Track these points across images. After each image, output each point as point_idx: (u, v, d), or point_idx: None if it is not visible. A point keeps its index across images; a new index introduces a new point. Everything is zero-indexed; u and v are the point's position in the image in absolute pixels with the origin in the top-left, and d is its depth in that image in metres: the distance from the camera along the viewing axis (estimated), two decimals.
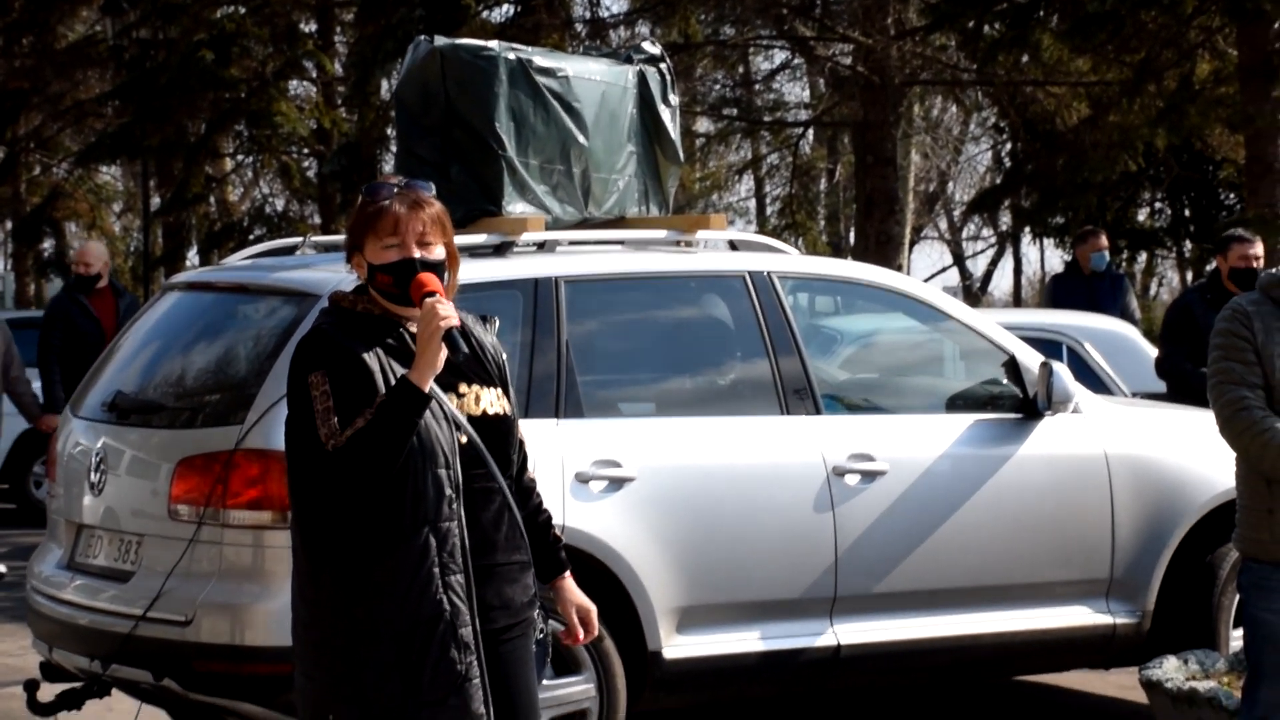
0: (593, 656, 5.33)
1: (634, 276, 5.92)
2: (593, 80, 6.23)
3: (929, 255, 65.65)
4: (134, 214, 30.13)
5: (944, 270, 38.77)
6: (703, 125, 24.93)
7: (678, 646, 5.52)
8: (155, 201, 22.84)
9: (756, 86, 24.18)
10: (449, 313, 3.41)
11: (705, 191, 30.79)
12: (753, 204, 32.98)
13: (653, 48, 6.63)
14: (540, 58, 6.18)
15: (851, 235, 27.32)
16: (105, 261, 10.34)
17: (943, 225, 38.12)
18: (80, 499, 5.69)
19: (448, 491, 3.44)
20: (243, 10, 20.73)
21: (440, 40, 6.14)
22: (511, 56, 6.04)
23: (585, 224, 6.18)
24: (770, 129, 24.62)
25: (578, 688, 5.33)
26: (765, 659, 5.68)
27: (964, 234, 37.45)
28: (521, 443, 3.70)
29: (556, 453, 5.38)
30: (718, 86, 23.18)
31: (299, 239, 6.32)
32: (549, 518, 3.74)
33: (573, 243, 5.95)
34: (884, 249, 15.90)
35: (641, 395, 5.96)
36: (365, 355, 3.43)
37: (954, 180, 33.62)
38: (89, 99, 23.39)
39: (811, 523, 5.72)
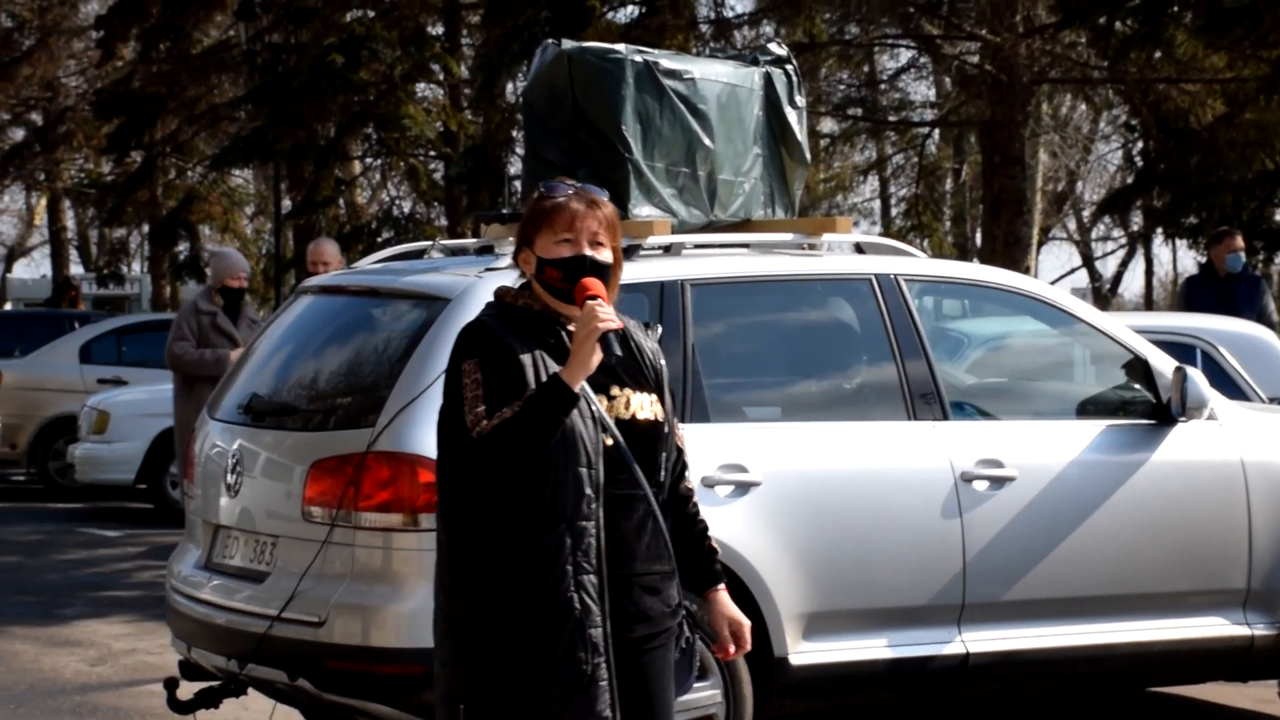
0: (719, 662, 5.33)
1: (759, 280, 5.91)
2: (719, 82, 6.22)
3: (1057, 256, 64.78)
4: (265, 217, 30.64)
5: (1072, 272, 38.31)
6: (827, 126, 24.79)
7: (804, 653, 5.50)
8: (286, 204, 23.18)
9: (882, 86, 24.00)
10: (608, 316, 3.45)
11: (829, 193, 30.62)
12: (877, 205, 32.79)
13: (779, 49, 6.61)
14: (667, 60, 6.19)
15: (978, 236, 27.04)
16: (340, 259, 10.13)
17: (1071, 226, 37.62)
18: (217, 500, 5.79)
19: (587, 491, 3.47)
20: (371, 14, 20.98)
21: (568, 43, 6.17)
22: (638, 59, 6.06)
23: (711, 227, 6.18)
24: (896, 129, 24.42)
25: (704, 694, 5.32)
26: (892, 666, 5.65)
27: (1093, 234, 36.94)
28: (681, 451, 3.71)
29: None
30: (842, 86, 23.04)
31: (429, 243, 6.39)
32: (705, 528, 3.73)
33: (698, 246, 5.95)
34: (1011, 250, 15.70)
35: (767, 399, 5.95)
36: (520, 349, 3.48)
37: (1083, 180, 33.14)
38: (222, 103, 23.81)
39: (939, 529, 5.67)
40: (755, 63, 6.48)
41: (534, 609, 3.43)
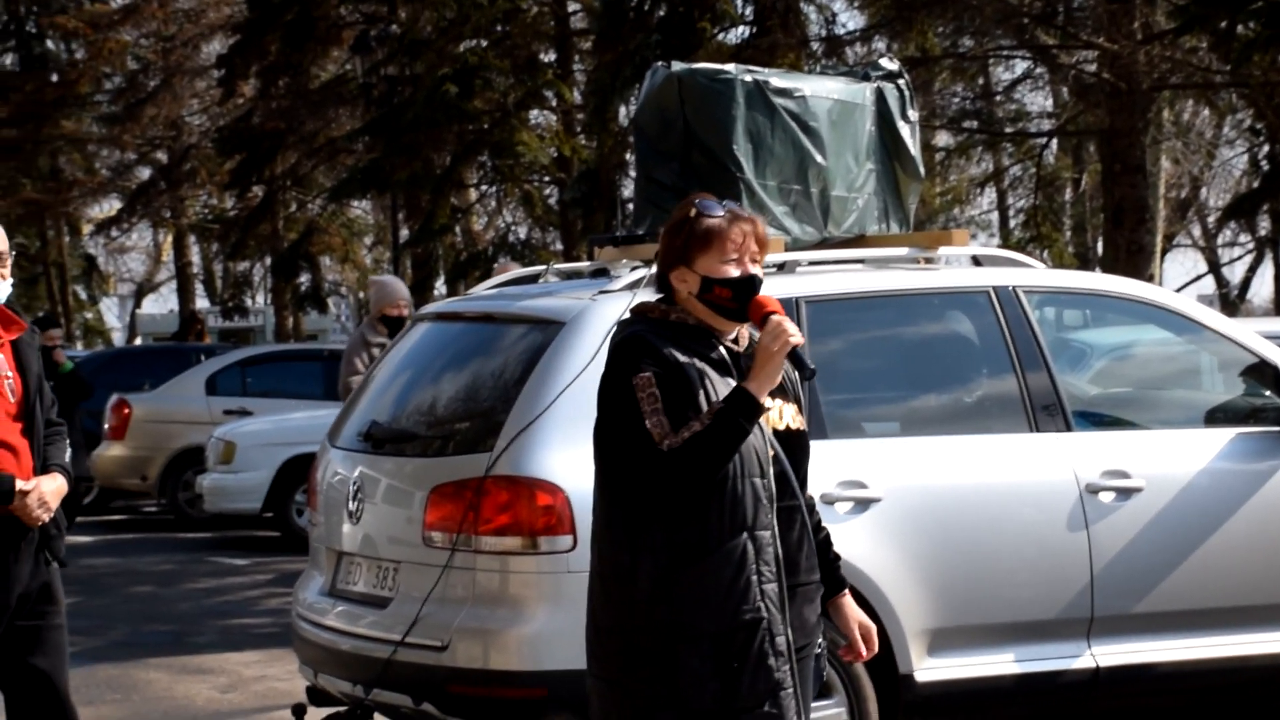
0: (843, 680, 5.28)
1: (875, 295, 5.86)
2: (830, 99, 6.19)
3: (1182, 264, 63.66)
4: (384, 246, 31.01)
5: (1199, 279, 37.62)
6: (943, 139, 24.59)
7: (930, 669, 5.44)
8: (404, 234, 23.45)
9: (997, 97, 23.76)
10: (795, 330, 3.51)
11: (946, 206, 30.36)
12: (995, 217, 32.46)
13: (890, 64, 6.57)
14: (777, 79, 6.17)
15: (1099, 245, 26.64)
16: None
17: (1196, 232, 36.98)
18: (340, 527, 5.85)
19: (763, 500, 3.53)
20: (484, 43, 21.18)
21: (677, 66, 6.18)
22: (748, 79, 6.05)
23: (825, 244, 6.15)
24: (1012, 140, 24.16)
25: (829, 711, 5.27)
26: (1020, 681, 5.56)
27: (1219, 240, 36.26)
28: None
29: None
30: (957, 99, 22.85)
31: (542, 267, 6.42)
32: (828, 536, 3.80)
33: (812, 263, 5.92)
34: (1134, 259, 15.43)
35: (886, 415, 5.89)
36: (685, 363, 3.53)
37: (1207, 185, 32.58)
38: (340, 136, 24.18)
39: (1065, 542, 5.59)
40: (867, 78, 6.44)
41: (724, 619, 3.47)
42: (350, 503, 5.76)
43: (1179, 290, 32.22)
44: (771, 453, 3.56)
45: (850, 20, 40.79)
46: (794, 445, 3.65)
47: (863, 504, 5.42)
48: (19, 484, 4.64)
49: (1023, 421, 5.69)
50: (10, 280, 4.78)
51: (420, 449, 5.70)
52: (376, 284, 10.05)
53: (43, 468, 4.75)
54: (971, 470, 5.61)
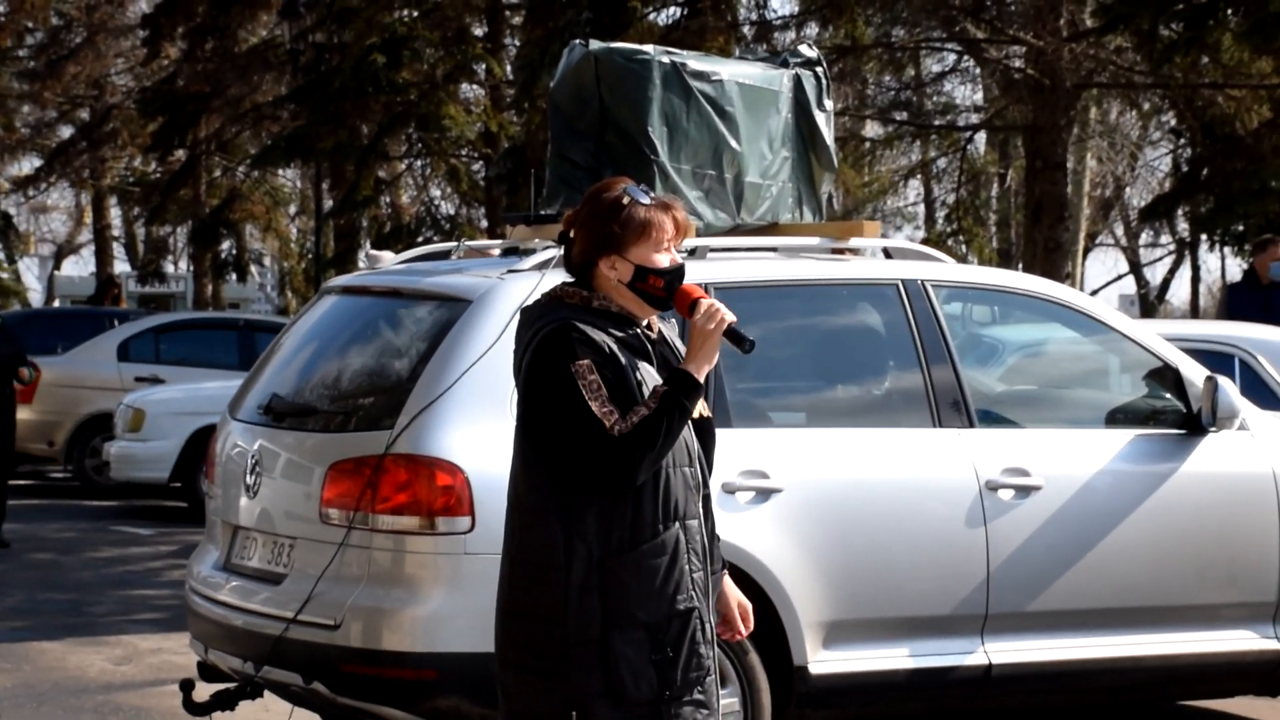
0: (737, 670, 5.27)
1: (785, 284, 5.85)
2: (747, 84, 6.17)
3: (1104, 263, 64.30)
4: (307, 216, 30.74)
5: (1119, 278, 38.11)
6: (871, 129, 24.66)
7: (824, 662, 5.44)
8: (328, 204, 23.23)
9: (926, 89, 23.85)
10: (727, 310, 3.56)
11: (873, 196, 30.47)
12: (921, 209, 32.61)
13: (809, 51, 6.56)
14: (694, 61, 6.14)
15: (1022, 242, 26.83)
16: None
17: (1119, 231, 37.37)
18: (237, 501, 5.77)
19: (693, 489, 3.57)
20: (415, 13, 21.00)
21: (595, 44, 6.13)
22: (665, 60, 6.01)
23: (737, 230, 6.13)
24: (939, 132, 24.28)
25: (723, 701, 5.25)
26: (914, 676, 5.57)
27: (1141, 241, 36.67)
28: None
29: None
30: (885, 90, 22.91)
31: (453, 244, 6.36)
32: (712, 518, 3.79)
33: (724, 249, 5.89)
34: (1052, 256, 15.56)
35: (791, 405, 5.89)
36: (616, 349, 3.54)
37: (1131, 185, 32.89)
38: (266, 102, 23.90)
39: (963, 538, 5.60)
40: (785, 65, 6.42)
41: (659, 608, 3.48)
42: (248, 476, 5.68)
43: (1099, 289, 32.51)
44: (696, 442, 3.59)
45: (782, 6, 40.81)
46: (705, 431, 3.67)
47: (763, 494, 5.40)
48: None
49: (926, 416, 5.70)
50: None
51: (321, 424, 5.63)
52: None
53: None
54: (873, 464, 5.61)
